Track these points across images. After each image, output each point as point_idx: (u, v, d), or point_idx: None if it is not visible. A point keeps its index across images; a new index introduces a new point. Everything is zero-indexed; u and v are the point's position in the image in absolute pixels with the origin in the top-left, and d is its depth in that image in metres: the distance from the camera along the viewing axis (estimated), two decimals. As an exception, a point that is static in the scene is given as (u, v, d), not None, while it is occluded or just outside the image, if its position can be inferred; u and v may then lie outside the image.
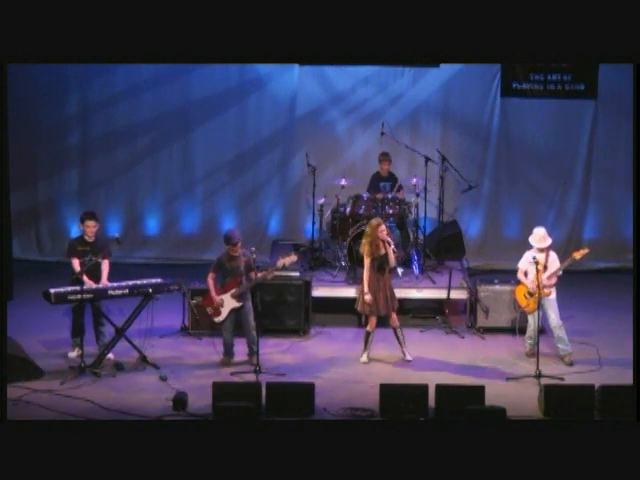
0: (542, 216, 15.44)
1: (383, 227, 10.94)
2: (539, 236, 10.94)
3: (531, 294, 10.86)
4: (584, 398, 9.42)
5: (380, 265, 10.93)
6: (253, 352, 10.71)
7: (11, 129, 13.35)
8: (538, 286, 10.58)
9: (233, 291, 10.76)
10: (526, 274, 10.97)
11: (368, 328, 11.05)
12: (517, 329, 11.38)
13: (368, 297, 10.90)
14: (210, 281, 10.84)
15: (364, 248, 10.97)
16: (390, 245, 10.95)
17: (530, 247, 11.01)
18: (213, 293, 10.80)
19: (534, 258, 10.72)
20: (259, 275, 10.77)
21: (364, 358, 11.03)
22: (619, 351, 11.13)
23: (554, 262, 10.94)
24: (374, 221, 11.05)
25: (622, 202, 15.28)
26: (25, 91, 15.11)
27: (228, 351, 10.88)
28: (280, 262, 10.85)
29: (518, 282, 11.16)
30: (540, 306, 10.79)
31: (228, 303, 10.80)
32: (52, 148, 15.53)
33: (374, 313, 10.98)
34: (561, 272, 10.91)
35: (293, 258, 10.96)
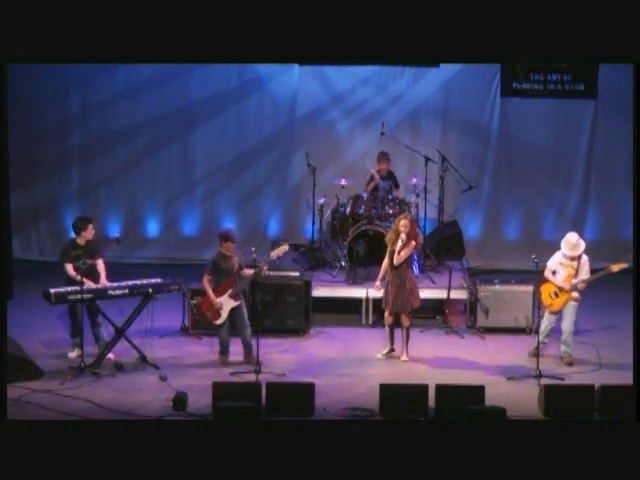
0: (542, 216, 15.47)
1: (406, 223, 10.83)
2: (571, 244, 10.77)
3: (557, 294, 10.81)
4: (584, 398, 9.42)
5: (392, 260, 10.91)
6: (249, 352, 10.71)
7: (11, 129, 13.33)
8: (540, 286, 10.55)
9: (230, 291, 10.74)
10: (554, 273, 10.85)
11: (384, 321, 11.12)
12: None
13: (377, 284, 10.95)
14: (206, 283, 10.78)
15: (387, 237, 11.05)
16: (403, 242, 10.80)
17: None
18: (211, 295, 10.74)
19: (534, 258, 10.68)
20: (252, 272, 10.74)
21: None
22: (619, 351, 11.13)
23: (584, 266, 10.82)
24: (402, 215, 11.14)
25: (622, 202, 15.26)
26: (25, 91, 15.11)
27: (224, 350, 10.86)
28: (273, 254, 10.83)
29: (544, 280, 10.92)
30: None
31: (227, 304, 10.77)
32: (52, 148, 15.52)
33: (384, 306, 11.01)
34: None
35: (285, 248, 10.87)
